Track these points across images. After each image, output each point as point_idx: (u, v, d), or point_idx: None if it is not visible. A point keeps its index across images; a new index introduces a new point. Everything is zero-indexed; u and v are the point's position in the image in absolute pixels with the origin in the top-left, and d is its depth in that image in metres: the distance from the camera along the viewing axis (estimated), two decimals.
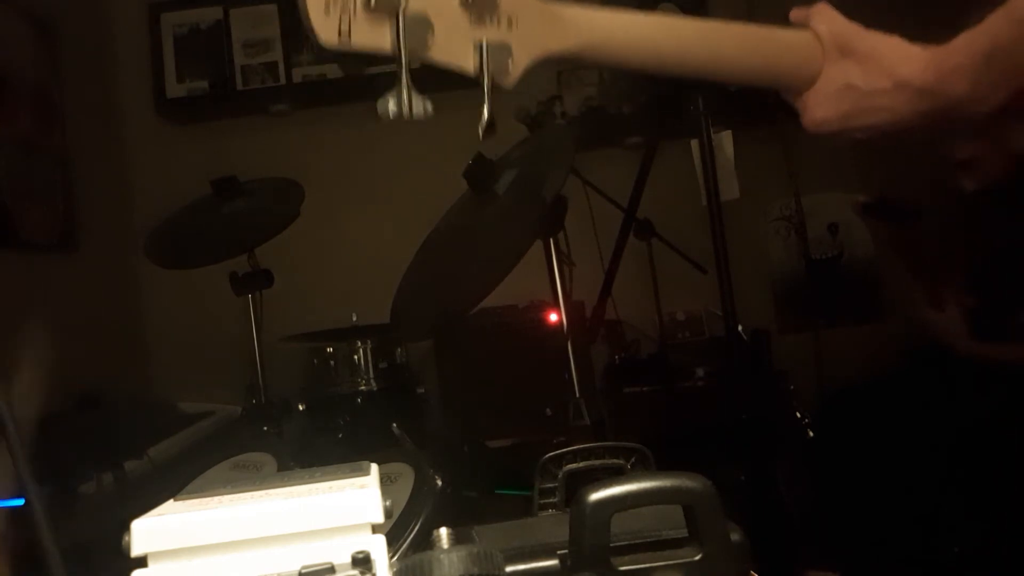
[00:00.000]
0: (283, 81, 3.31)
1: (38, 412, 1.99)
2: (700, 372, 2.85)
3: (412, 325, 2.03)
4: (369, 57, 0.72)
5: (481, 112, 0.76)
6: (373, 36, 0.71)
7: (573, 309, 2.01)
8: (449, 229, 1.97)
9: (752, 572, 0.65)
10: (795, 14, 0.91)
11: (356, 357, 2.52)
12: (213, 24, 3.34)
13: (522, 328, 2.76)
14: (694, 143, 2.41)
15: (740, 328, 2.45)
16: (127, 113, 3.36)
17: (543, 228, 1.80)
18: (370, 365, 2.51)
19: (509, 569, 0.63)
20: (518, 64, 0.76)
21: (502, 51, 0.75)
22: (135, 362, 3.22)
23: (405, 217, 2.80)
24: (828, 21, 0.89)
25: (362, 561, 0.53)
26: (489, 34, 0.75)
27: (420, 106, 0.73)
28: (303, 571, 0.52)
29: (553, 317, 2.40)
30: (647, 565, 0.63)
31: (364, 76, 3.23)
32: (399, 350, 2.60)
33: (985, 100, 0.83)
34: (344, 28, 0.69)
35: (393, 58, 0.72)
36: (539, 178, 1.79)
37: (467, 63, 0.75)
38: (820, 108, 0.88)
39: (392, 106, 0.73)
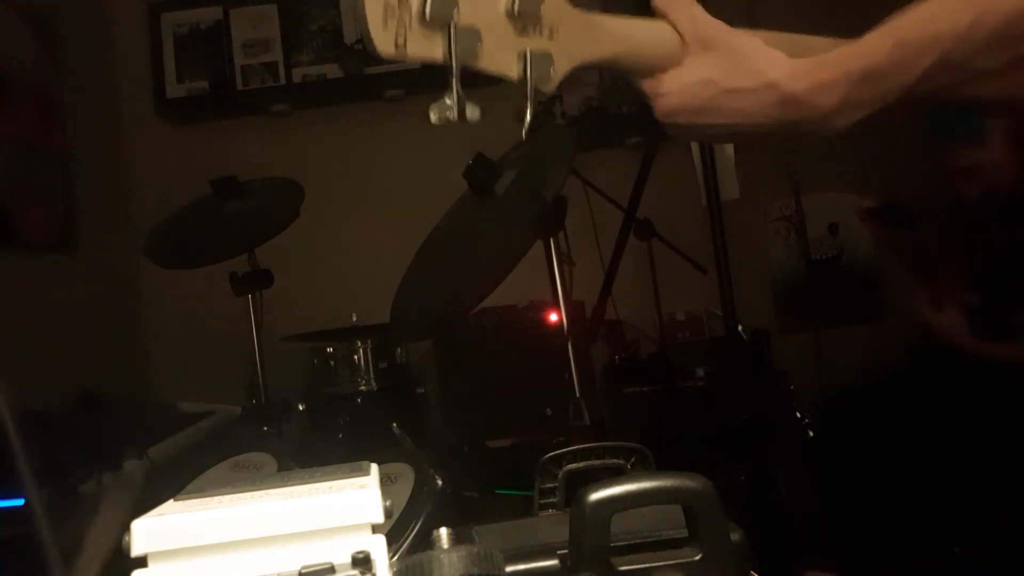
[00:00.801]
0: (283, 81, 3.31)
1: (38, 412, 1.99)
2: (700, 372, 2.85)
3: (412, 325, 2.03)
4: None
5: (525, 115, 0.81)
6: (427, 47, 0.75)
7: (573, 309, 2.00)
8: (449, 229, 1.97)
9: (752, 572, 0.65)
10: (658, 3, 0.89)
11: (356, 357, 2.52)
12: (213, 24, 3.34)
13: (522, 328, 2.76)
14: (694, 143, 2.41)
15: (740, 328, 2.45)
16: (127, 113, 3.36)
17: (543, 228, 1.80)
18: (370, 365, 2.51)
19: (509, 569, 0.63)
20: (558, 71, 0.81)
21: (544, 59, 0.80)
22: (135, 362, 3.22)
23: (405, 217, 2.80)
24: (691, 13, 0.87)
25: (362, 561, 0.53)
26: (532, 43, 0.80)
27: (471, 111, 0.77)
28: (303, 571, 0.52)
29: (553, 317, 2.39)
30: (647, 565, 0.63)
31: (364, 76, 3.23)
32: (399, 350, 2.60)
33: (847, 117, 0.82)
34: (400, 40, 0.74)
35: (444, 65, 0.76)
36: (539, 178, 1.79)
37: (512, 70, 0.80)
38: (674, 97, 0.85)
39: (445, 111, 0.77)
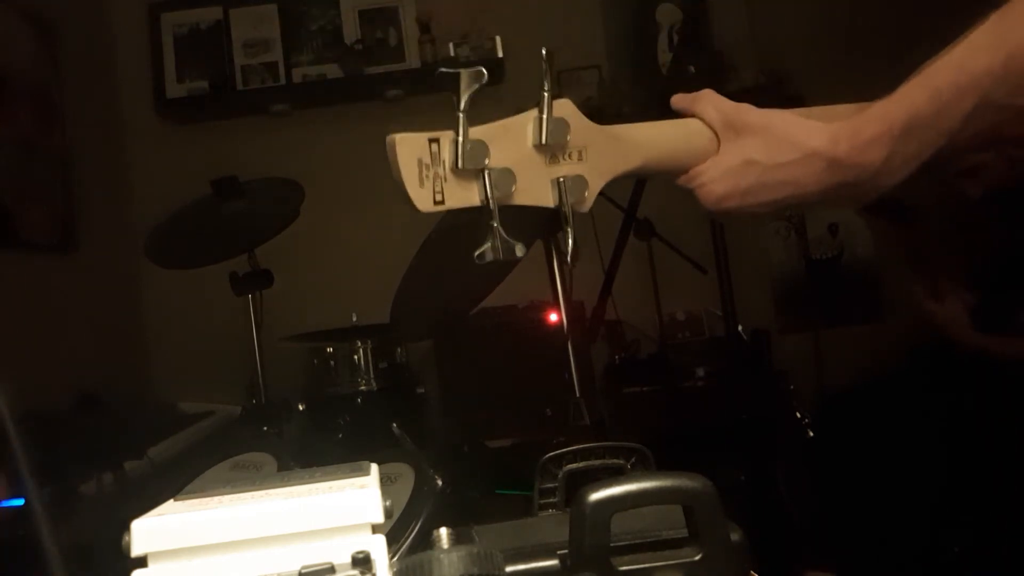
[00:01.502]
0: (283, 81, 3.31)
1: (38, 412, 1.99)
2: (700, 372, 2.85)
3: (412, 325, 2.03)
4: None
5: (569, 243, 0.84)
6: (464, 195, 0.80)
7: (573, 309, 2.00)
8: (449, 229, 1.97)
9: (752, 572, 0.65)
10: (676, 100, 0.91)
11: (356, 357, 2.52)
12: (213, 24, 3.34)
13: (522, 328, 2.76)
14: None
15: (740, 328, 2.45)
16: (127, 113, 3.36)
17: (543, 228, 1.80)
18: (370, 365, 2.51)
19: (509, 569, 0.63)
20: (592, 189, 0.84)
21: (577, 182, 0.83)
22: (135, 362, 3.22)
23: (405, 217, 2.80)
24: (714, 103, 0.88)
25: (362, 561, 0.53)
26: (563, 170, 0.83)
27: (513, 250, 0.82)
28: (303, 571, 0.52)
29: (553, 317, 2.40)
30: (647, 565, 0.63)
31: (364, 76, 3.23)
32: (399, 350, 2.60)
33: (897, 172, 0.81)
34: (439, 196, 0.79)
35: (485, 208, 0.81)
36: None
37: (548, 199, 0.83)
38: (719, 184, 0.86)
39: (489, 255, 0.83)
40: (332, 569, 0.53)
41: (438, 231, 2.02)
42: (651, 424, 2.69)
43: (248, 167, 2.57)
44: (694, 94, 0.90)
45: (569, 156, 0.83)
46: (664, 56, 3.38)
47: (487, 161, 0.79)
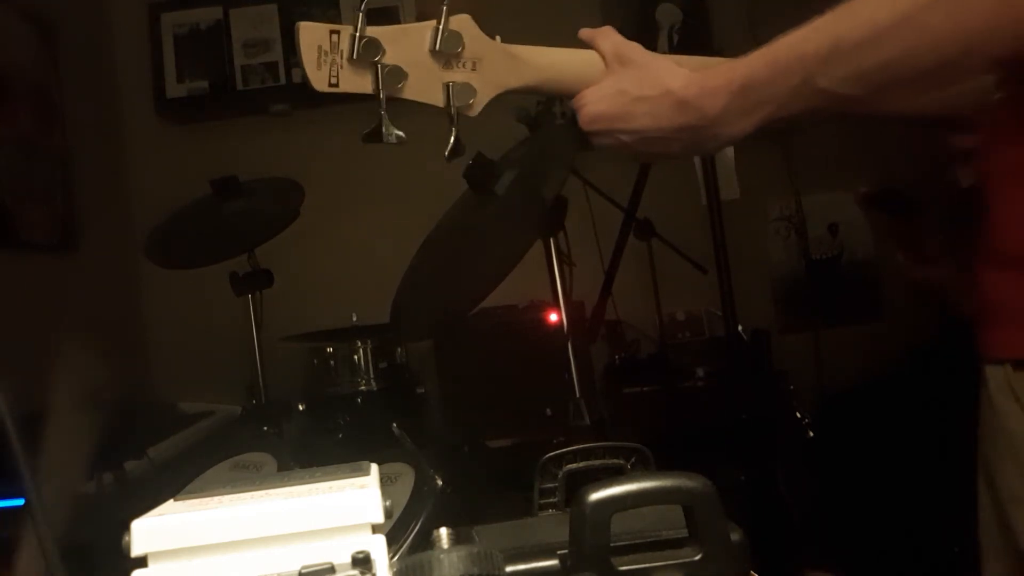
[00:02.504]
0: (283, 81, 3.30)
1: (38, 412, 1.98)
2: (700, 372, 2.85)
3: (412, 325, 2.03)
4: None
5: (448, 138, 0.94)
6: (357, 82, 0.90)
7: (573, 309, 2.00)
8: (449, 229, 1.97)
9: (752, 572, 0.65)
10: (583, 33, 1.03)
11: (356, 357, 2.52)
12: (213, 24, 3.34)
13: (522, 328, 2.76)
14: None
15: (740, 328, 2.45)
16: (127, 113, 3.36)
17: (543, 228, 1.80)
18: (370, 365, 2.51)
19: (509, 569, 0.63)
20: (481, 99, 0.94)
21: (466, 89, 0.93)
22: (135, 362, 3.22)
23: (405, 217, 2.80)
24: (610, 39, 1.00)
25: (362, 561, 0.53)
26: (455, 76, 0.93)
27: (394, 135, 0.92)
28: (303, 571, 0.52)
29: (553, 317, 2.39)
30: (647, 565, 0.63)
31: None
32: (399, 350, 2.60)
33: (733, 124, 0.91)
34: (334, 78, 0.89)
35: (374, 96, 0.90)
36: (539, 178, 1.79)
37: (437, 100, 0.93)
38: (594, 105, 0.97)
39: (373, 135, 0.93)
40: (332, 569, 0.53)
41: (438, 231, 2.02)
42: (651, 424, 2.69)
43: (248, 167, 2.57)
44: (597, 28, 1.03)
45: (463, 65, 0.93)
46: None
47: (380, 57, 0.88)
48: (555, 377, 1.83)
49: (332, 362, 2.53)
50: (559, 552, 0.65)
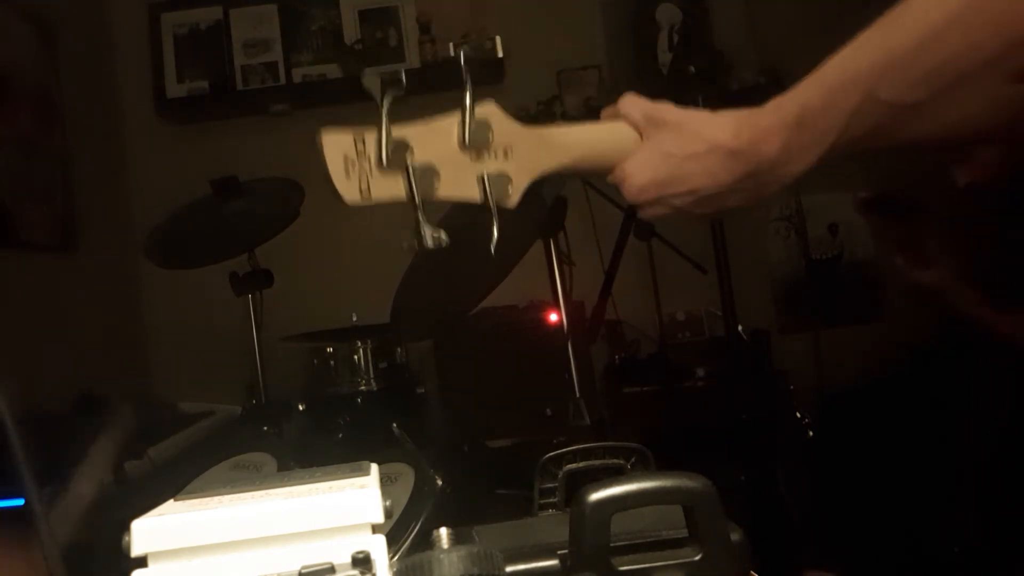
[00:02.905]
0: (283, 81, 3.31)
1: (38, 412, 1.99)
2: (700, 372, 2.85)
3: (412, 325, 2.03)
4: None
5: (491, 232, 0.89)
6: (389, 188, 0.84)
7: (573, 309, 2.00)
8: (449, 229, 1.97)
9: (752, 572, 0.65)
10: (606, 113, 0.97)
11: (356, 357, 2.52)
12: (213, 24, 3.34)
13: (522, 328, 2.76)
14: None
15: (740, 328, 2.45)
16: (127, 113, 3.36)
17: (543, 228, 1.80)
18: (370, 365, 2.51)
19: (509, 569, 0.63)
20: (517, 187, 0.90)
21: (501, 179, 0.88)
22: (135, 362, 3.22)
23: (405, 217, 2.79)
24: (637, 105, 0.94)
25: (362, 561, 0.53)
26: (488, 167, 0.88)
27: (435, 239, 0.86)
28: (303, 571, 0.52)
29: (553, 317, 2.40)
30: (647, 565, 0.63)
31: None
32: (399, 350, 2.60)
33: (795, 162, 0.86)
34: (364, 188, 0.83)
35: (410, 202, 0.85)
36: (539, 178, 1.79)
37: (473, 194, 0.88)
38: (640, 176, 0.92)
39: (414, 242, 0.86)
40: (332, 569, 0.53)
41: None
42: (651, 424, 2.69)
43: (248, 167, 2.57)
44: (619, 101, 0.96)
45: (494, 154, 0.88)
46: (664, 56, 3.38)
47: (410, 158, 0.83)
48: (555, 377, 1.83)
49: (332, 362, 2.53)
50: (559, 552, 0.65)
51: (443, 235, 0.85)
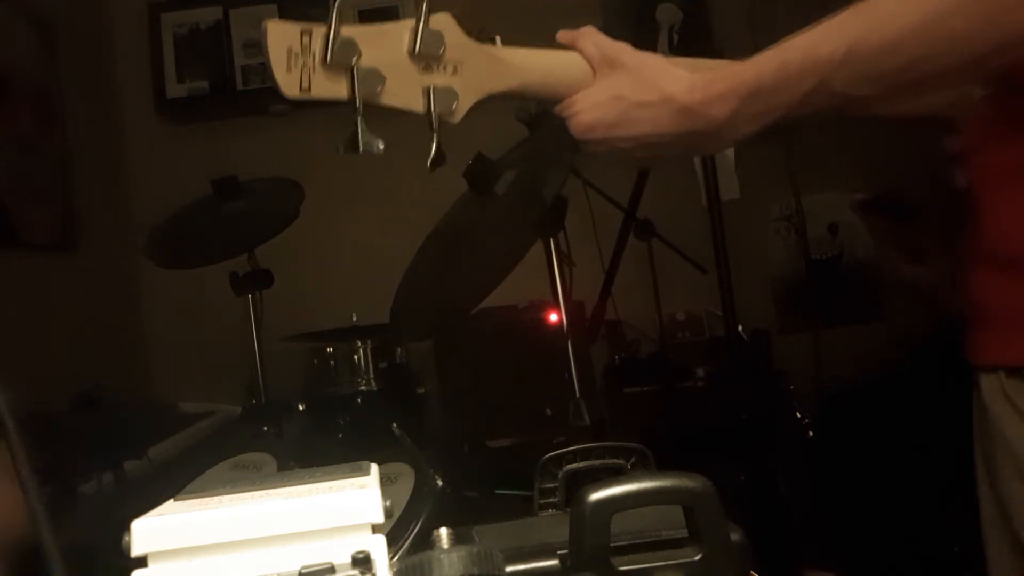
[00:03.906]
0: None
1: (38, 412, 1.99)
2: (700, 372, 2.85)
3: (412, 325, 2.03)
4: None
5: (430, 147, 0.87)
6: (331, 87, 0.82)
7: (573, 309, 2.00)
8: (449, 229, 1.97)
9: (752, 572, 0.65)
10: (561, 35, 0.98)
11: (356, 357, 2.52)
12: (213, 24, 3.34)
13: (522, 328, 2.76)
14: None
15: (740, 328, 2.45)
16: (127, 113, 3.36)
17: (543, 228, 1.80)
18: (370, 365, 2.51)
19: (509, 569, 0.63)
20: (463, 104, 0.87)
21: (448, 94, 0.86)
22: (135, 362, 3.22)
23: (405, 217, 2.80)
24: (595, 41, 0.95)
25: (362, 561, 0.53)
26: (436, 80, 0.86)
27: (375, 144, 0.85)
28: (303, 571, 0.52)
29: (553, 317, 2.40)
30: (647, 565, 0.63)
31: None
32: (399, 350, 2.60)
33: (740, 128, 0.88)
34: (305, 83, 0.81)
35: (350, 102, 0.82)
36: (539, 178, 1.79)
37: (416, 105, 0.85)
38: (588, 114, 0.93)
39: (343, 146, 0.85)
40: (332, 569, 0.53)
41: (438, 231, 2.02)
42: (651, 424, 2.69)
43: (248, 167, 2.57)
44: (577, 30, 0.97)
45: (443, 68, 0.86)
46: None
47: (356, 59, 0.81)
48: (555, 377, 1.83)
49: (332, 362, 2.53)
50: (559, 552, 0.65)
51: (379, 142, 0.84)
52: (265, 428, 2.26)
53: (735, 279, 2.31)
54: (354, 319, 2.63)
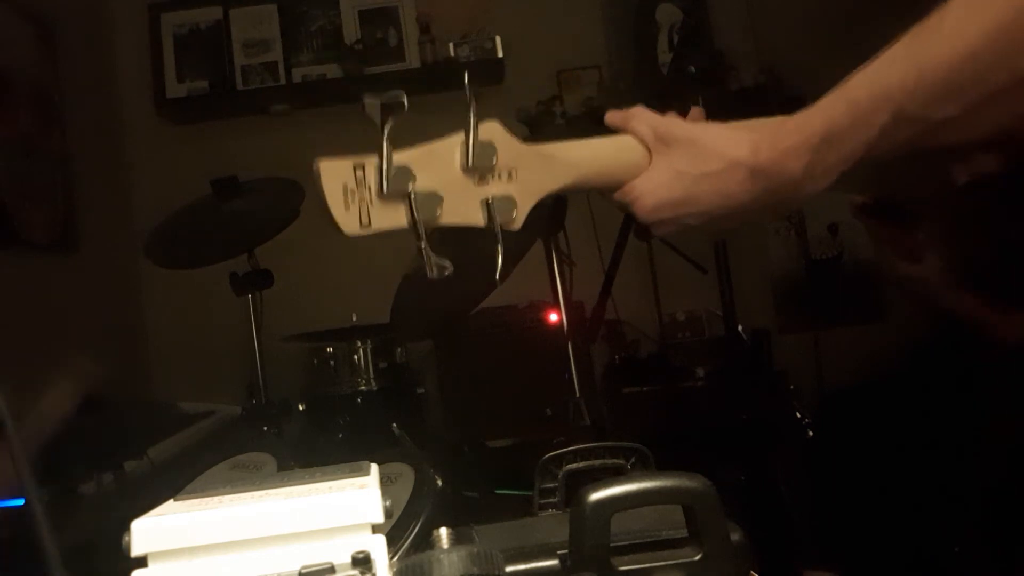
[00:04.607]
0: (283, 81, 3.31)
1: (38, 412, 1.98)
2: (700, 372, 2.85)
3: (412, 325, 2.03)
4: None
5: (496, 258, 0.86)
6: (390, 217, 0.80)
7: (573, 309, 2.00)
8: (449, 229, 1.97)
9: (752, 572, 0.65)
10: (610, 118, 0.93)
11: (356, 357, 2.52)
12: (213, 24, 3.34)
13: (522, 328, 2.76)
14: None
15: (740, 328, 2.45)
16: (127, 113, 3.36)
17: (543, 228, 1.80)
18: (370, 365, 2.51)
19: (509, 569, 0.63)
20: (522, 209, 0.85)
21: (507, 202, 0.84)
22: (135, 362, 3.22)
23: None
24: (646, 119, 0.90)
25: (362, 561, 0.53)
26: (492, 190, 0.84)
27: (440, 268, 0.84)
28: (303, 571, 0.52)
29: (553, 317, 2.40)
30: (647, 565, 0.63)
31: (364, 76, 3.23)
32: (399, 350, 2.60)
33: (818, 180, 0.83)
34: (364, 219, 0.80)
35: (412, 230, 0.81)
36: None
37: (477, 219, 0.84)
38: (652, 196, 0.88)
39: (421, 271, 0.84)
40: (332, 569, 0.53)
41: (438, 230, 2.02)
42: (651, 424, 2.69)
43: (248, 167, 2.57)
44: (626, 111, 0.92)
45: (498, 177, 0.84)
46: (664, 56, 3.38)
47: (412, 185, 0.79)
48: (555, 377, 1.83)
49: (332, 362, 2.53)
50: (559, 552, 0.65)
51: (448, 264, 0.84)
52: (265, 428, 2.26)
53: (735, 279, 2.31)
54: (354, 319, 2.63)
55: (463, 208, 0.84)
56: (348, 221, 0.80)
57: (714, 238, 2.28)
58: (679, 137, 0.88)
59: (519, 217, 0.85)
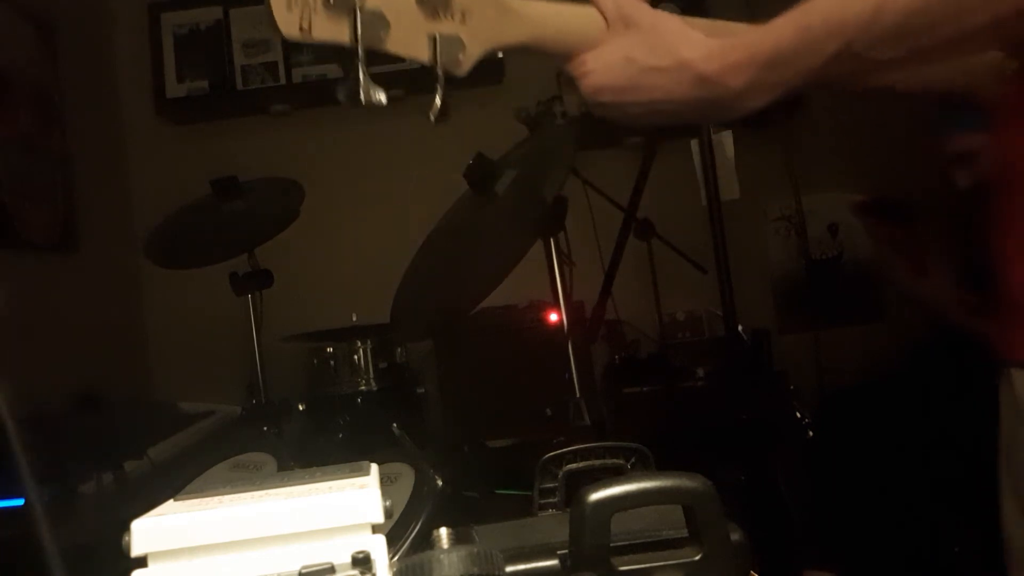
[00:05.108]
0: (283, 81, 3.30)
1: (38, 412, 1.99)
2: (700, 372, 2.85)
3: (412, 325, 2.03)
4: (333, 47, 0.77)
5: (434, 99, 0.83)
6: (332, 30, 0.77)
7: (573, 309, 2.00)
8: (449, 229, 1.97)
9: (752, 572, 0.65)
10: None
11: (356, 357, 2.52)
12: (213, 24, 3.34)
13: (522, 328, 2.76)
14: (694, 143, 2.41)
15: (740, 328, 2.45)
16: (127, 113, 3.36)
17: (543, 228, 1.80)
18: (370, 365, 2.51)
19: (509, 569, 0.63)
20: (470, 55, 0.83)
21: (454, 43, 0.82)
22: (135, 362, 3.22)
23: (405, 217, 2.80)
24: None
25: (362, 561, 0.53)
26: (442, 28, 0.81)
27: (375, 95, 0.79)
28: (303, 571, 0.52)
29: (553, 317, 2.40)
30: (647, 565, 0.63)
31: None
32: (399, 350, 2.60)
33: (756, 98, 0.85)
34: (305, 24, 0.77)
35: (352, 48, 0.78)
36: (539, 178, 1.79)
37: (422, 54, 0.82)
38: (599, 76, 0.89)
39: (343, 94, 0.80)
40: (332, 569, 0.53)
41: (438, 231, 2.02)
42: (651, 424, 2.69)
43: (248, 167, 2.57)
44: None
45: (451, 16, 0.82)
46: None
47: (360, 2, 0.77)
48: (555, 377, 1.83)
49: (332, 362, 2.53)
50: (559, 552, 0.65)
51: (381, 94, 0.80)
52: (265, 428, 2.26)
53: (735, 279, 2.30)
54: (354, 319, 2.63)
55: (409, 39, 0.81)
56: (288, 21, 0.78)
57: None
58: (639, 21, 0.88)
59: (466, 63, 0.83)
